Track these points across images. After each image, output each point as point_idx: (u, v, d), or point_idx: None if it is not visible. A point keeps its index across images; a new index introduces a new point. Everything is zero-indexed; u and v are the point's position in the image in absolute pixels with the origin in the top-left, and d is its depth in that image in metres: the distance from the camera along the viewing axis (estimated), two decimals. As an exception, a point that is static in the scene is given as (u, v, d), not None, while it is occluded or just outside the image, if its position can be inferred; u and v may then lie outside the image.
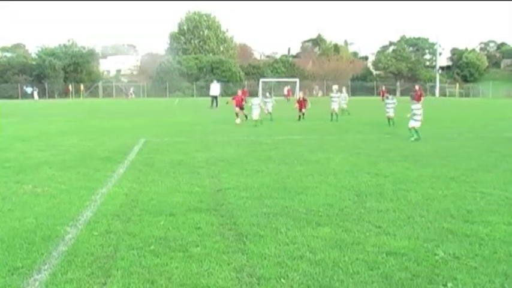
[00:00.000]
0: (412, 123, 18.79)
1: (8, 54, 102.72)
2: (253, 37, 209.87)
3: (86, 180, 11.11)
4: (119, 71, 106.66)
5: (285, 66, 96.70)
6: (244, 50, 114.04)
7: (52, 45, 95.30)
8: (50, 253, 6.38)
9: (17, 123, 28.11)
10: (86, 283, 5.48)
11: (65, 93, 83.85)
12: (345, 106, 33.75)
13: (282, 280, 5.56)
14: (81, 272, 5.77)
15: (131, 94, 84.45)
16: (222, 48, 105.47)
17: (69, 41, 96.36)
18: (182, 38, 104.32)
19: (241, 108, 27.66)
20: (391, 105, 25.58)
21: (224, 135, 20.43)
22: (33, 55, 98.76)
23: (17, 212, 8.42)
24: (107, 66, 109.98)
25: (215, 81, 50.33)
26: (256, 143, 17.64)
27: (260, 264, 6.01)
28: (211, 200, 9.26)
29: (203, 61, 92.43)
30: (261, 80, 76.76)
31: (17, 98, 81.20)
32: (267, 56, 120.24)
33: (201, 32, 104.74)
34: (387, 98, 28.44)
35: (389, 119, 25.38)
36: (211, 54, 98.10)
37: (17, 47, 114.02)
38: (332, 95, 31.02)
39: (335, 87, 31.90)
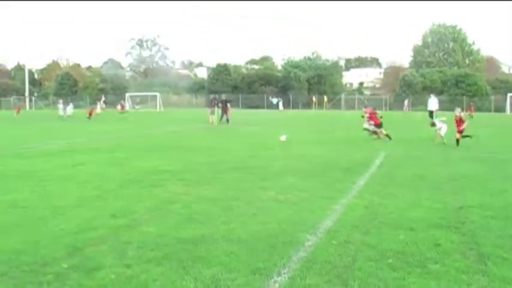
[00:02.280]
0: None
1: (256, 67, 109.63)
2: (502, 49, 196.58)
3: (327, 189, 11.35)
4: (361, 83, 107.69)
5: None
6: (491, 63, 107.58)
7: (297, 58, 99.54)
8: (290, 258, 6.63)
9: (260, 132, 29.91)
10: (324, 290, 5.62)
11: (308, 105, 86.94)
12: None
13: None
14: (319, 278, 5.91)
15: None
16: (467, 61, 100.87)
17: (313, 53, 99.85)
18: (426, 50, 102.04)
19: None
20: None
21: (463, 150, 19.51)
22: (279, 67, 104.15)
23: (261, 217, 8.90)
24: (349, 79, 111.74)
25: (432, 96, 46.45)
26: (494, 160, 16.54)
27: (503, 288, 5.65)
28: (453, 217, 8.90)
29: (447, 74, 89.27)
30: (509, 95, 71.86)
31: (263, 108, 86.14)
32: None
33: (446, 45, 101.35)
34: None
35: None
36: (456, 68, 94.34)
37: (264, 59, 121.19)
38: None
39: None
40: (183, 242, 7.33)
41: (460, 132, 21.61)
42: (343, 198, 10.37)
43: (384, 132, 24.54)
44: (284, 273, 6.10)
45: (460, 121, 21.89)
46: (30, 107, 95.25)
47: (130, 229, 8.08)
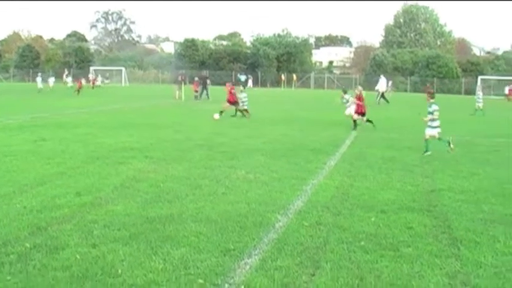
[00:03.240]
0: None
1: (224, 43, 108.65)
2: (473, 31, 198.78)
3: (297, 170, 11.26)
4: (331, 62, 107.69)
5: (508, 64, 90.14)
6: (463, 45, 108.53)
7: (266, 35, 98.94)
8: (260, 239, 6.53)
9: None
10: (295, 272, 5.50)
11: (277, 83, 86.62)
12: None
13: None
14: (290, 260, 5.81)
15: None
16: (439, 43, 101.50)
17: (283, 30, 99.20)
18: (398, 30, 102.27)
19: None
20: None
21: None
22: (248, 44, 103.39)
23: (230, 196, 8.77)
24: (319, 57, 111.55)
25: (382, 76, 45.59)
26: (472, 144, 16.64)
27: (475, 273, 5.62)
28: (425, 200, 8.88)
29: (418, 55, 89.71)
30: (480, 77, 72.76)
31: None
32: (487, 52, 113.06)
33: (418, 25, 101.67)
34: None
35: None
36: (427, 49, 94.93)
37: (233, 35, 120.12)
38: None
39: None
40: (151, 222, 7.16)
41: (360, 113, 20.32)
42: (314, 179, 10.29)
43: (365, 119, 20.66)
44: (255, 254, 5.99)
45: (359, 99, 20.29)
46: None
47: (96, 208, 7.87)
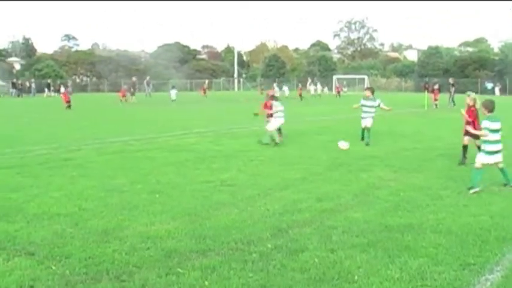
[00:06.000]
0: None
1: (470, 49, 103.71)
2: None
3: None
4: None
5: None
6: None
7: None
8: (503, 255, 6.21)
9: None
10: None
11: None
12: None
13: None
14: None
15: None
16: None
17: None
18: None
19: None
20: None
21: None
22: (496, 50, 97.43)
23: (472, 208, 8.45)
24: None
25: None
26: None
27: None
28: None
29: None
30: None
31: (476, 92, 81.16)
32: None
33: None
34: None
35: None
36: None
37: (479, 41, 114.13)
38: None
39: None
40: (389, 230, 7.19)
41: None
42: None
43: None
44: (497, 270, 5.73)
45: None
46: (239, 88, 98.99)
47: (335, 213, 8.13)
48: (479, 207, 8.48)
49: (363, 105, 17.10)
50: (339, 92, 66.25)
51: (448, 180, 10.69)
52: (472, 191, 9.46)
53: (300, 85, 62.31)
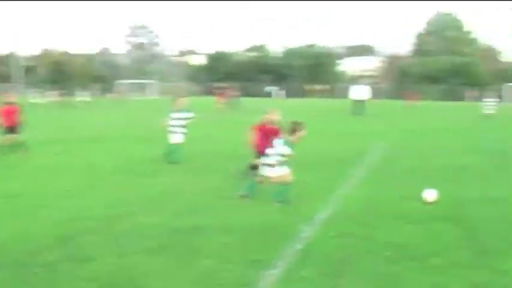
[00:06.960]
0: None
1: (251, 54, 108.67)
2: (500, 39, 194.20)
3: (325, 180, 11.35)
4: (362, 71, 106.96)
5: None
6: (491, 53, 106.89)
7: (295, 46, 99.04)
8: (285, 249, 6.60)
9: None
10: (319, 283, 5.57)
11: (307, 93, 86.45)
12: None
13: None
14: (314, 271, 5.87)
15: None
16: (468, 50, 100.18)
17: (311, 42, 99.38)
18: (427, 39, 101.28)
19: None
20: None
21: (465, 142, 19.58)
22: (276, 55, 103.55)
23: (258, 208, 8.83)
24: (346, 67, 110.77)
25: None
26: (495, 152, 16.50)
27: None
28: (453, 211, 8.84)
29: (448, 63, 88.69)
30: (509, 84, 71.91)
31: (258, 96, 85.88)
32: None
33: (447, 34, 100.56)
34: None
35: None
36: (456, 57, 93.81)
37: (258, 48, 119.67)
38: None
39: None
40: (179, 233, 7.30)
41: None
42: (340, 189, 10.31)
43: None
44: (279, 265, 6.05)
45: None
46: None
47: (124, 219, 8.04)
48: (264, 206, 8.91)
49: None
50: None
51: (237, 181, 10.99)
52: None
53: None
